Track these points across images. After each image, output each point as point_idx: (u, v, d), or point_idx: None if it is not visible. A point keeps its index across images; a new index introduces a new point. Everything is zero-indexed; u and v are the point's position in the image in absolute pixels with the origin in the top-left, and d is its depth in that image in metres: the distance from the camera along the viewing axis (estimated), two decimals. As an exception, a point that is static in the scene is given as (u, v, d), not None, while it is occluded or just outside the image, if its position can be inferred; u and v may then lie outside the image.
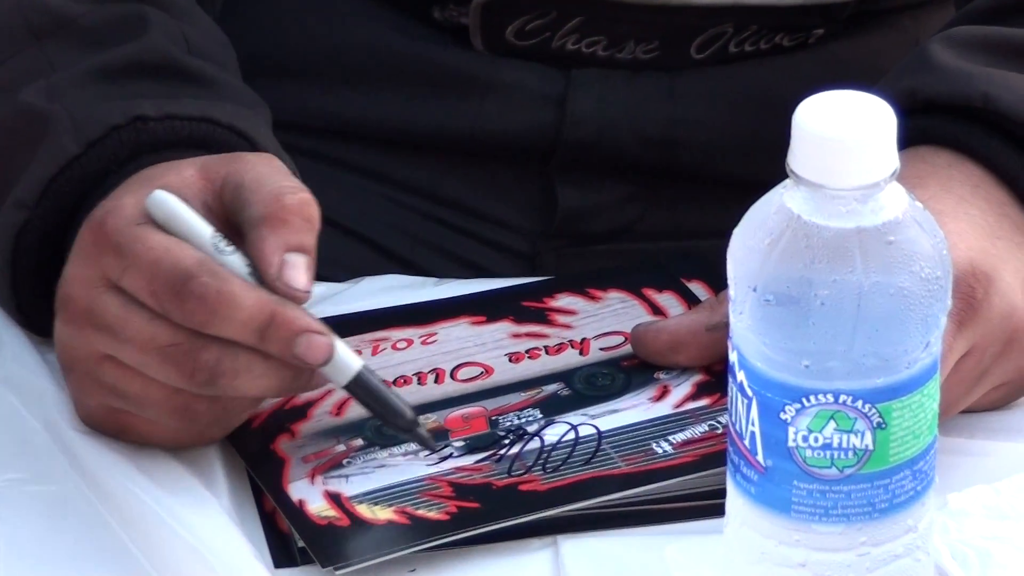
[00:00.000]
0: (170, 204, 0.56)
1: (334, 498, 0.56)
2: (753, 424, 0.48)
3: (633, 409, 0.61)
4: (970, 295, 0.57)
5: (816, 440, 0.47)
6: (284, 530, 0.56)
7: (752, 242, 0.47)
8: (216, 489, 0.58)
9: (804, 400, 0.47)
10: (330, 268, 0.68)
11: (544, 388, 0.62)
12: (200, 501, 0.57)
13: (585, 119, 0.77)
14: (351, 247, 0.79)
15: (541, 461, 0.58)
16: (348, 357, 0.55)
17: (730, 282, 0.48)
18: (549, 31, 0.76)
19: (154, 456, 0.58)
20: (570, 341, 0.65)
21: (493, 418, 0.61)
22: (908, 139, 0.60)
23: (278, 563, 0.55)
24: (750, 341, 0.47)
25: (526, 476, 0.57)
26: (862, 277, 0.46)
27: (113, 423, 0.58)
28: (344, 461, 0.58)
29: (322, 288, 0.68)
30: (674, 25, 0.76)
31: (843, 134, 0.46)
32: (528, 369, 0.63)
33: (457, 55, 0.78)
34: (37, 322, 0.63)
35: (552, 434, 0.59)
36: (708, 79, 0.78)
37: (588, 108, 0.78)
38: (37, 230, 0.62)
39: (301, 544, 0.55)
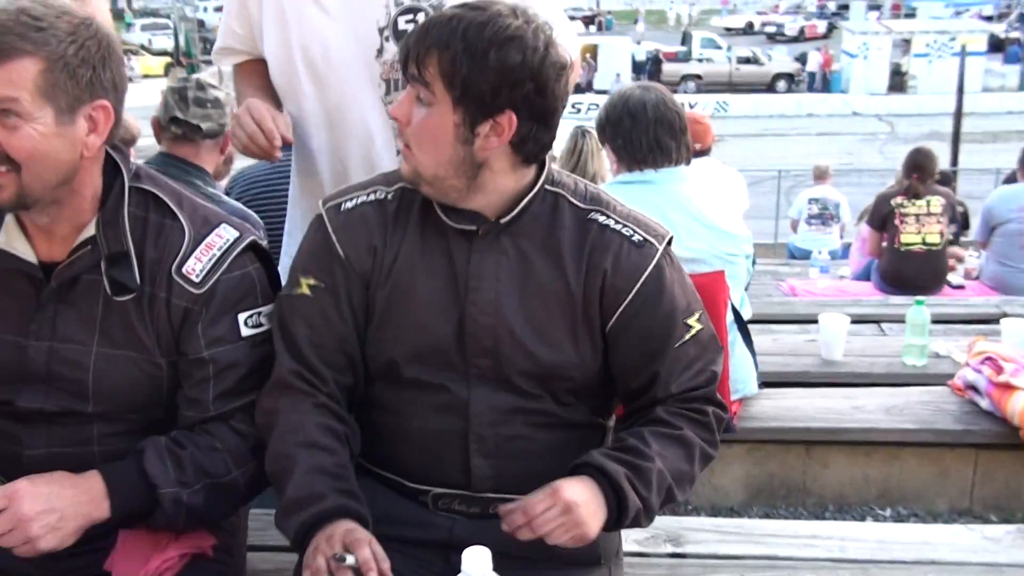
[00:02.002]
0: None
1: None
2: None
3: None
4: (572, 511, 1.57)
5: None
6: None
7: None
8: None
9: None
10: None
11: None
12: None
13: (461, 543, 1.60)
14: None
15: None
16: None
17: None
18: (444, 502, 1.78)
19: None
20: None
21: None
22: (582, 475, 1.65)
23: None
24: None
25: None
26: None
27: None
28: None
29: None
30: (475, 503, 1.79)
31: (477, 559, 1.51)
32: None
33: (421, 513, 1.79)
34: None
35: None
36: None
37: (463, 533, 1.74)
38: (308, 527, 1.58)
39: None
